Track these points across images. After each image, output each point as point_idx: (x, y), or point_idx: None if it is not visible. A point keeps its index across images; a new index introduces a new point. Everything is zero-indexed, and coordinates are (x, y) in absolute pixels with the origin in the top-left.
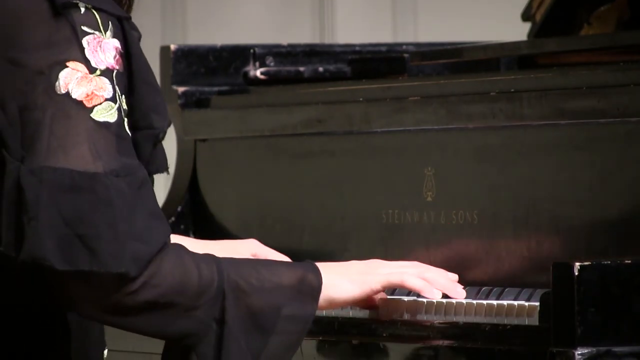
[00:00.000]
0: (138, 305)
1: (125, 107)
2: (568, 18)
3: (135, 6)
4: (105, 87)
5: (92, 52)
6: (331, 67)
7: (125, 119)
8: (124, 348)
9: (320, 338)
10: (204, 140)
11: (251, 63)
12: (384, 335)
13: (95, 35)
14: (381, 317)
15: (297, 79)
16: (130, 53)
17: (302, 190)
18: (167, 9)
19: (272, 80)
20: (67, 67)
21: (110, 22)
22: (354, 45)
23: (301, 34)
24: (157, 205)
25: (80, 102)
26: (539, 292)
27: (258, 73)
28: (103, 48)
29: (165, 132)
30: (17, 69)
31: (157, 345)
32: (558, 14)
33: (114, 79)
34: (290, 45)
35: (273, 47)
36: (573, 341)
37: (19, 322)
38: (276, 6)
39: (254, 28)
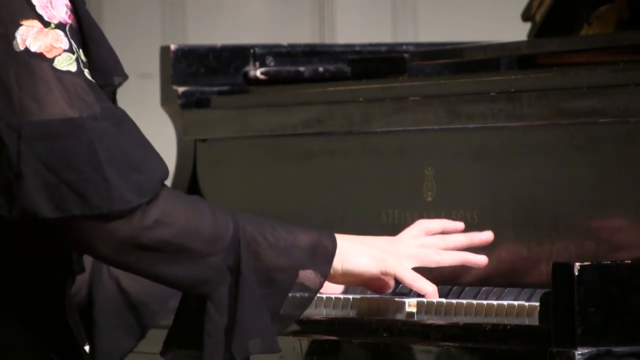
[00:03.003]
0: (151, 244)
1: (83, 59)
2: (568, 18)
3: (135, 6)
4: (61, 40)
5: (44, 8)
6: (331, 67)
7: (86, 70)
8: None
9: (321, 338)
10: (204, 140)
11: (251, 63)
12: (384, 335)
13: None
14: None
15: (297, 79)
16: (78, 15)
17: (302, 190)
18: (167, 9)
19: (272, 80)
20: (21, 25)
21: None
22: (354, 45)
23: (301, 34)
24: (146, 139)
25: (41, 54)
26: (539, 292)
27: (258, 73)
28: (53, 5)
29: (121, 84)
30: None
31: (157, 346)
32: (558, 14)
33: (68, 32)
34: (290, 45)
35: (273, 47)
36: (573, 341)
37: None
38: (276, 6)
39: (254, 28)
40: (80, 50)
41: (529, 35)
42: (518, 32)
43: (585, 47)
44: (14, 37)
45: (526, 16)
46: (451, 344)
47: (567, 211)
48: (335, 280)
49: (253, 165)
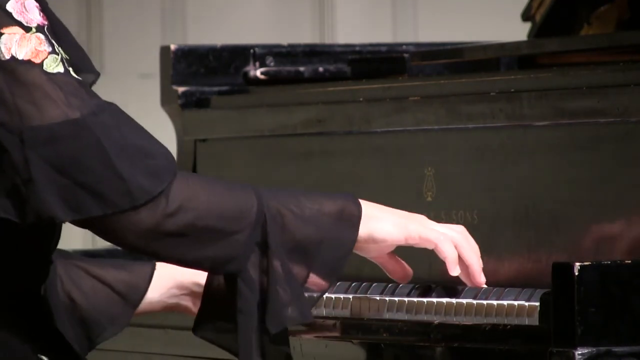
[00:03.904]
0: (178, 229)
1: (66, 57)
2: (568, 18)
3: (135, 6)
4: (43, 42)
5: (20, 14)
6: (331, 67)
7: (71, 68)
8: (124, 348)
9: (321, 338)
10: (204, 140)
11: (251, 63)
12: (384, 335)
13: None
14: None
15: (297, 79)
16: (47, 14)
17: None
18: (167, 9)
19: (272, 80)
20: (3, 34)
21: None
22: (354, 45)
23: (301, 34)
24: (144, 128)
25: (29, 61)
26: (539, 292)
27: (258, 73)
28: (27, 8)
29: (95, 82)
30: None
31: (157, 345)
32: (558, 14)
33: (47, 33)
34: (290, 45)
35: (273, 47)
36: (573, 341)
37: None
38: (276, 6)
39: (254, 28)
40: (60, 48)
41: (529, 35)
42: (518, 32)
43: (585, 47)
44: None
45: (526, 16)
46: (451, 344)
47: (567, 211)
48: (358, 246)
49: (253, 165)
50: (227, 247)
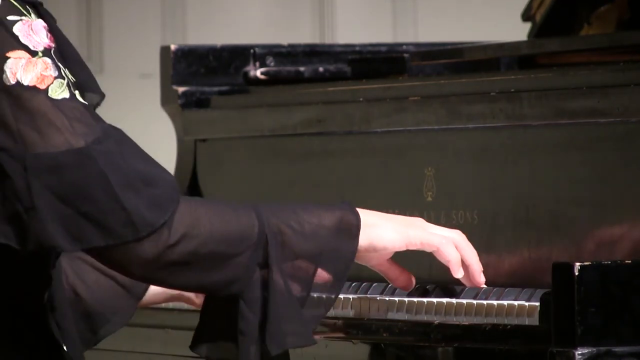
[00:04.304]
0: (181, 258)
1: (72, 79)
2: (568, 18)
3: (135, 6)
4: (50, 67)
5: (26, 37)
6: (331, 67)
7: (77, 92)
8: (124, 348)
9: (321, 338)
10: (204, 140)
11: (251, 63)
12: (384, 335)
13: (23, 21)
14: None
15: (297, 79)
16: (54, 35)
17: (302, 190)
18: (167, 9)
19: (272, 80)
20: (8, 58)
21: (27, 6)
22: (354, 45)
23: (301, 34)
24: (148, 154)
25: (34, 87)
26: (539, 292)
27: (258, 73)
28: (34, 30)
29: (99, 104)
30: None
31: (157, 345)
32: (558, 14)
33: (54, 56)
34: (290, 45)
35: (273, 47)
36: (573, 341)
37: None
38: (276, 6)
39: (254, 28)
40: (67, 70)
41: (529, 35)
42: (518, 32)
43: (585, 47)
44: (2, 71)
45: (526, 16)
46: (451, 344)
47: (567, 211)
48: (359, 256)
49: (253, 165)
50: (229, 270)
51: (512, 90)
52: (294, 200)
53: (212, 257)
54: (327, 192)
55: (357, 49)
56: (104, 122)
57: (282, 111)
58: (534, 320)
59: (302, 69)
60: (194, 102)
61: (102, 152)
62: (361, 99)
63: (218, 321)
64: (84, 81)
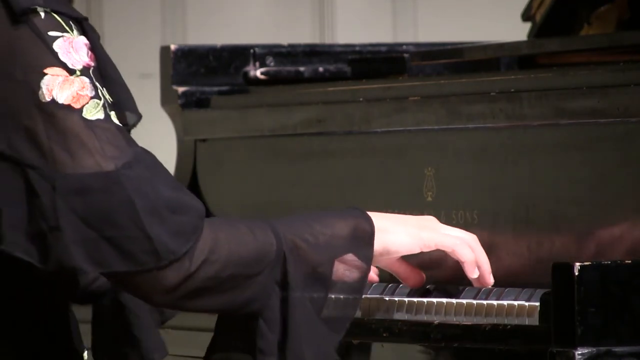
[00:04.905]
0: (202, 284)
1: (109, 100)
2: (568, 18)
3: (135, 6)
4: (86, 86)
5: (66, 54)
6: (331, 67)
7: (112, 113)
8: None
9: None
10: (204, 140)
11: (251, 63)
12: (384, 335)
13: (64, 37)
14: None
15: (297, 79)
16: (95, 53)
17: (302, 190)
18: (167, 9)
19: (272, 80)
20: (46, 74)
21: (71, 22)
22: (354, 45)
23: (301, 34)
24: (175, 180)
25: (68, 106)
26: (539, 292)
27: (258, 73)
28: (75, 48)
29: (135, 125)
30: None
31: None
32: (558, 14)
33: (92, 75)
34: (290, 45)
35: (273, 47)
36: (573, 341)
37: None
38: (276, 6)
39: (254, 28)
40: (104, 89)
41: (529, 35)
42: (518, 32)
43: (585, 47)
44: (39, 87)
45: (526, 16)
46: (451, 344)
47: (567, 211)
48: (378, 255)
49: (253, 165)
50: (249, 290)
51: (512, 90)
52: (296, 201)
53: (231, 280)
54: (327, 192)
55: (357, 49)
56: (136, 145)
57: (282, 111)
58: (534, 320)
59: (302, 69)
60: (194, 102)
61: (131, 177)
62: (361, 99)
63: (233, 334)
64: (122, 100)
